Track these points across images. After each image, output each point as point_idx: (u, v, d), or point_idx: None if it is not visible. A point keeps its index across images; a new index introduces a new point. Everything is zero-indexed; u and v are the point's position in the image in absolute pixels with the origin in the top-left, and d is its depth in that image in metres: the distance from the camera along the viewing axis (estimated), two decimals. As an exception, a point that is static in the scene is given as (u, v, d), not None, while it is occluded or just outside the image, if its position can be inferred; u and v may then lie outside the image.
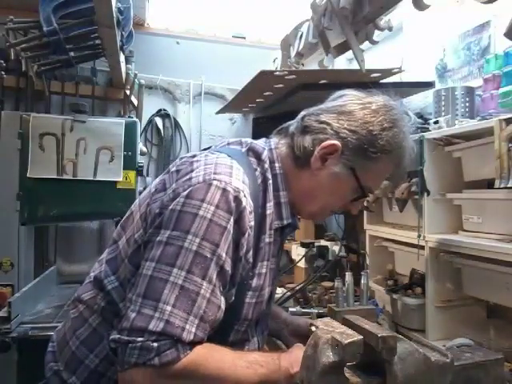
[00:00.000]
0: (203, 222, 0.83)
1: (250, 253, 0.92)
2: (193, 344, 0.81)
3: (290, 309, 1.68)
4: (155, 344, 0.77)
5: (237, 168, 0.92)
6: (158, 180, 1.00)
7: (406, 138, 1.01)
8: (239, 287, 0.92)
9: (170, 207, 0.86)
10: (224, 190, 0.85)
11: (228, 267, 0.86)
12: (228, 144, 1.06)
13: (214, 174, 0.88)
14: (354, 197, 1.04)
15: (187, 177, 0.90)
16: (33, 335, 1.59)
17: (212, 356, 0.84)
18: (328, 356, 0.70)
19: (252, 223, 0.90)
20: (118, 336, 0.80)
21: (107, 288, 0.95)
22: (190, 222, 0.83)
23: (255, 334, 1.03)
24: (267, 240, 0.98)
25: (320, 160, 0.98)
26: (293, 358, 0.92)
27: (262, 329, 1.08)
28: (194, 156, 0.98)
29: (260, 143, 1.04)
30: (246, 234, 0.88)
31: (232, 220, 0.85)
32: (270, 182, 0.99)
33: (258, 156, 1.00)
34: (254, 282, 0.96)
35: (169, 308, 0.79)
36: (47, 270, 2.24)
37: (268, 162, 1.00)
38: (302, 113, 1.05)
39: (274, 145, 1.04)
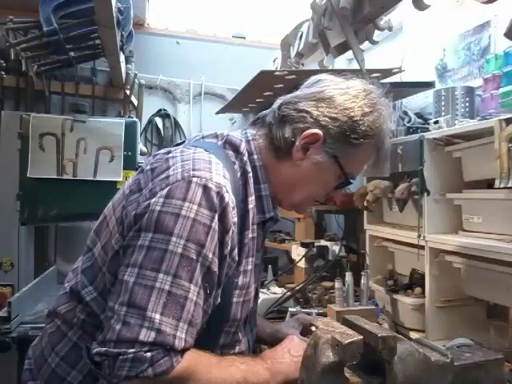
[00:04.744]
0: (186, 223, 0.79)
1: (235, 250, 0.88)
2: (183, 350, 0.78)
3: (290, 309, 1.68)
4: (148, 354, 0.74)
5: (216, 162, 0.87)
6: (131, 180, 0.94)
7: (386, 121, 0.99)
8: (225, 287, 0.89)
9: (150, 208, 0.81)
10: (205, 187, 0.81)
11: (215, 267, 0.82)
12: (203, 137, 1.01)
13: (193, 170, 0.83)
14: (336, 184, 1.02)
15: (164, 175, 0.85)
16: (33, 335, 1.58)
17: (200, 360, 0.82)
18: (328, 356, 0.70)
19: (235, 219, 0.86)
20: (105, 349, 0.75)
21: (85, 299, 0.90)
22: (173, 223, 0.79)
23: (244, 333, 1.01)
24: (251, 235, 0.94)
25: (302, 150, 0.95)
26: (268, 352, 0.95)
27: (251, 327, 1.06)
28: (169, 152, 0.93)
29: (236, 135, 0.99)
30: (230, 232, 0.84)
31: (216, 218, 0.81)
32: (250, 175, 0.95)
33: (235, 149, 0.96)
34: (240, 280, 0.93)
35: (158, 316, 0.76)
36: (47, 270, 2.24)
37: (247, 154, 0.96)
38: (278, 101, 1.00)
39: (251, 136, 0.99)
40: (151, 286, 0.77)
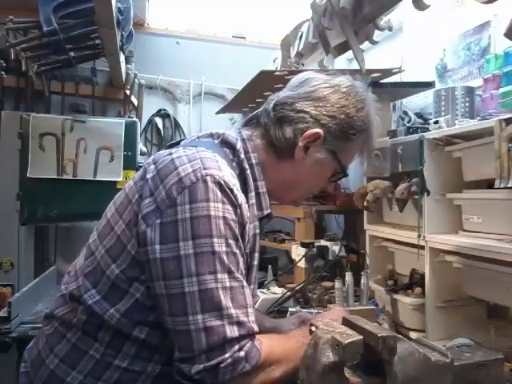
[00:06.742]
0: (219, 222, 0.83)
1: (248, 245, 0.93)
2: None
3: (290, 309, 1.68)
4: (242, 353, 0.80)
5: (221, 161, 0.90)
6: (134, 185, 0.92)
7: (374, 114, 1.04)
8: None
9: (179, 217, 0.82)
10: (220, 185, 0.84)
11: (245, 256, 0.90)
12: (198, 138, 1.03)
13: (204, 169, 0.85)
14: (332, 176, 1.07)
15: (175, 178, 0.85)
16: (33, 335, 1.58)
17: (274, 341, 0.89)
18: (328, 356, 0.70)
19: (248, 214, 0.90)
20: (202, 365, 0.78)
21: (88, 303, 0.90)
22: (208, 225, 0.82)
23: None
24: (255, 231, 0.97)
25: (303, 149, 0.99)
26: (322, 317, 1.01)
27: None
28: (170, 153, 0.92)
29: (232, 134, 1.01)
30: (247, 227, 0.89)
31: (239, 212, 0.87)
32: (248, 172, 0.97)
33: (232, 147, 0.98)
34: (247, 276, 0.95)
35: (232, 310, 0.81)
36: (47, 270, 2.24)
37: (243, 152, 0.98)
38: (270, 102, 1.02)
39: (246, 136, 1.01)
40: (216, 288, 0.81)
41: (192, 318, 0.80)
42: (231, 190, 0.86)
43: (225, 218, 0.84)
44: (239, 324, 0.81)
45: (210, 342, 0.79)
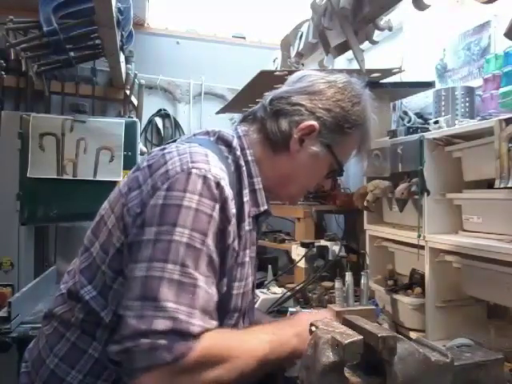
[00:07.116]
0: (189, 213, 0.80)
1: (236, 242, 0.90)
2: (201, 335, 0.78)
3: (290, 309, 1.68)
4: (164, 341, 0.74)
5: (212, 156, 0.89)
6: (127, 179, 0.95)
7: (370, 111, 1.05)
8: (227, 278, 0.91)
9: (151, 203, 0.82)
10: (205, 178, 0.83)
11: (216, 256, 0.84)
12: (194, 135, 1.04)
13: (192, 162, 0.85)
14: (329, 173, 1.07)
15: (163, 170, 0.86)
16: (33, 335, 1.58)
17: (220, 338, 0.83)
18: (328, 356, 0.70)
19: (234, 211, 0.88)
20: (122, 346, 0.75)
21: (85, 299, 0.90)
22: (176, 214, 0.80)
23: (243, 326, 1.01)
24: (247, 228, 0.96)
25: (298, 142, 0.99)
26: (294, 319, 0.98)
27: (250, 320, 1.06)
28: (164, 148, 0.94)
29: (228, 131, 1.01)
30: (232, 222, 0.87)
31: (217, 207, 0.83)
32: (244, 168, 0.97)
33: (228, 144, 0.98)
34: (239, 272, 0.95)
35: (170, 304, 0.76)
36: (47, 270, 2.24)
37: (239, 149, 0.98)
38: (268, 97, 1.03)
39: (242, 132, 1.02)
40: (160, 277, 0.77)
41: (130, 304, 0.78)
42: (217, 184, 0.84)
43: (197, 210, 0.81)
44: (173, 320, 0.75)
45: (136, 329, 0.75)
